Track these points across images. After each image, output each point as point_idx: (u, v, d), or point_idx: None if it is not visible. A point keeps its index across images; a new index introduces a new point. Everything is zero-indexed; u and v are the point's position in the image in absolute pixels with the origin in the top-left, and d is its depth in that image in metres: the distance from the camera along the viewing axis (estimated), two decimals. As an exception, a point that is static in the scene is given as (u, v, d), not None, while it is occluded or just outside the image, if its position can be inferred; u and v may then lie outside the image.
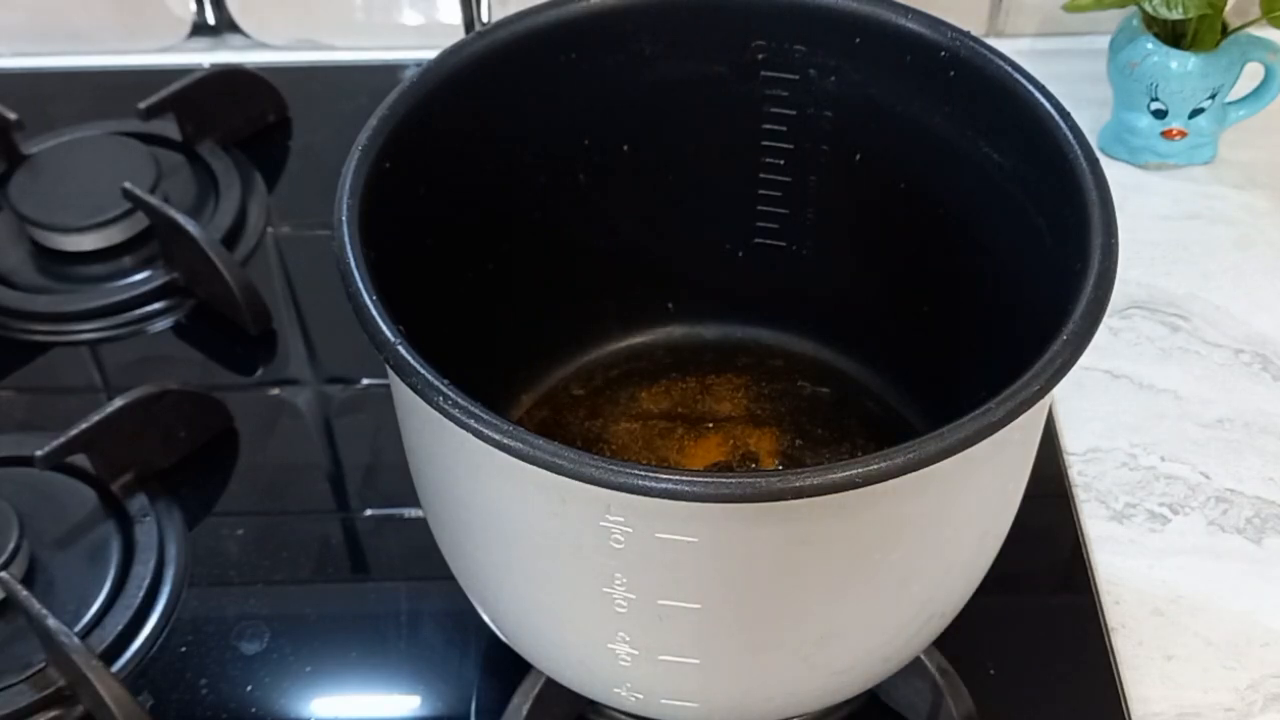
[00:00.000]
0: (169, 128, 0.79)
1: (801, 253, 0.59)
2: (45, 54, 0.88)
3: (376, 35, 0.88)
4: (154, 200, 0.72)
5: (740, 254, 0.60)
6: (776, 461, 0.59)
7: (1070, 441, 0.65)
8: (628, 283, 0.61)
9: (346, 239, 0.43)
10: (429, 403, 0.39)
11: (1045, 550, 0.61)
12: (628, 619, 0.43)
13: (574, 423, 0.60)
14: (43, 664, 0.55)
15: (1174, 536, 0.62)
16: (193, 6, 0.87)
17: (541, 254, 0.57)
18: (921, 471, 0.37)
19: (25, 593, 0.55)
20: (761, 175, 0.57)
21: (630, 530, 0.39)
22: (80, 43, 0.88)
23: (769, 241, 0.59)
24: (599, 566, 0.41)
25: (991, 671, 0.56)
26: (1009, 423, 0.38)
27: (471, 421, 0.38)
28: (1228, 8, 0.73)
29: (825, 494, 0.37)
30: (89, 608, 0.58)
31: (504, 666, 0.55)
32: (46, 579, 0.59)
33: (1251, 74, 0.75)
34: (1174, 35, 0.74)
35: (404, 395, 0.42)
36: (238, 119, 0.81)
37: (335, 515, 0.64)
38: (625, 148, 0.56)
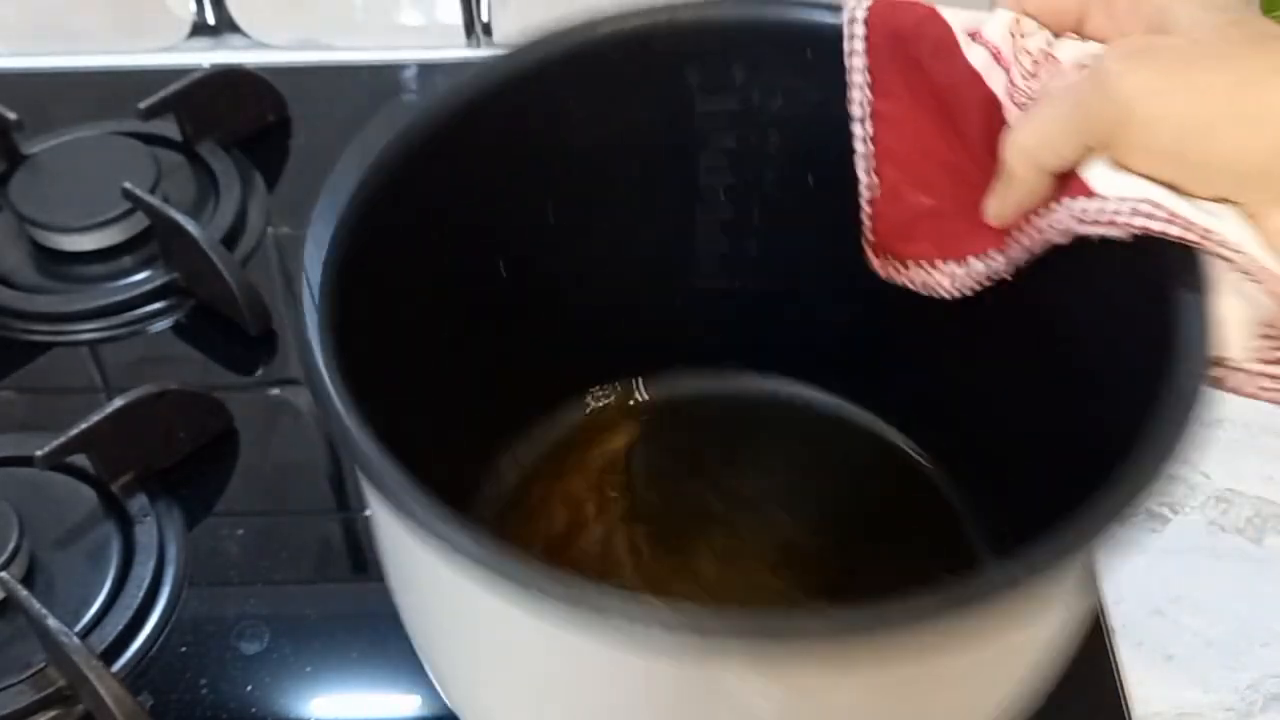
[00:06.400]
0: (169, 128, 0.79)
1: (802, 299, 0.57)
2: (45, 54, 0.88)
3: (376, 35, 0.88)
4: (154, 200, 0.72)
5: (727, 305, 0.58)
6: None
7: (1070, 441, 0.65)
8: (585, 352, 0.58)
9: (312, 340, 0.40)
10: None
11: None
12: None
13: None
14: (43, 664, 0.55)
15: (1174, 536, 0.62)
16: (193, 6, 0.87)
17: (511, 335, 0.54)
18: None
19: (25, 593, 0.55)
20: (720, 216, 0.55)
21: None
22: (80, 43, 0.88)
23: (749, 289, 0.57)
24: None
25: (991, 671, 0.56)
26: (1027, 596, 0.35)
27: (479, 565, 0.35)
28: (1228, 8, 0.73)
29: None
30: (89, 608, 0.58)
31: (504, 666, 0.55)
32: (46, 579, 0.59)
33: (1251, 74, 0.75)
34: (1174, 35, 0.74)
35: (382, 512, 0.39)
36: (238, 119, 0.81)
37: (335, 515, 0.64)
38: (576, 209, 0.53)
